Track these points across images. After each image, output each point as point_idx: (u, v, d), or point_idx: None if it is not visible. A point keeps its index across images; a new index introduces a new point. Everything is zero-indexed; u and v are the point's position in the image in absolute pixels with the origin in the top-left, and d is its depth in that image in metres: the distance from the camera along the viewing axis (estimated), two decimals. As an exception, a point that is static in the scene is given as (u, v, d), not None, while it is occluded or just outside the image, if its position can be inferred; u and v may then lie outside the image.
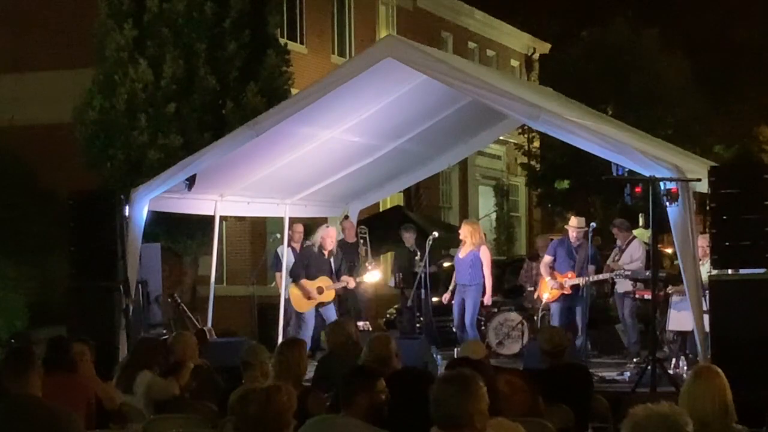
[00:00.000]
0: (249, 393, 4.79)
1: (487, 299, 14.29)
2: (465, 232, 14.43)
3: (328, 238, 14.56)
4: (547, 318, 14.53)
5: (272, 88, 17.10)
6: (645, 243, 14.44)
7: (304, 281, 14.43)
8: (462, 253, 14.36)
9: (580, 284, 13.93)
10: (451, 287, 14.60)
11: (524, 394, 6.30)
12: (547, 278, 14.29)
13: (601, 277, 14.03)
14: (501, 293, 16.59)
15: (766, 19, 34.19)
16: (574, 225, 14.42)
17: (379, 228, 16.82)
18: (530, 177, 32.15)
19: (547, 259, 14.44)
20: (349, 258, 15.16)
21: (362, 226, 16.23)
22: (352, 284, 14.65)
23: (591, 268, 13.90)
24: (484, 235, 15.75)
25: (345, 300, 15.27)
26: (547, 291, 14.31)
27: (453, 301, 14.42)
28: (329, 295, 14.44)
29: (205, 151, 12.88)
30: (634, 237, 14.68)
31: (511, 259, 22.66)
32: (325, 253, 14.49)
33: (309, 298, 14.41)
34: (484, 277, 14.17)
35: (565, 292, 14.11)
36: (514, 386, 6.22)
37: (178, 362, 8.77)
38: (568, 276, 14.07)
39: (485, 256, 14.26)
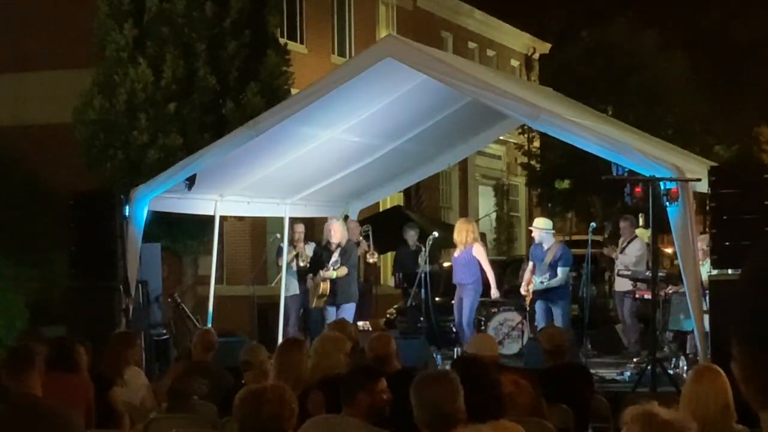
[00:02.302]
0: (262, 393, 4.78)
1: (494, 292, 14.39)
2: (457, 231, 14.52)
3: (331, 230, 14.61)
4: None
5: (272, 88, 17.08)
6: (646, 244, 14.47)
7: (308, 276, 14.78)
8: (457, 252, 14.42)
9: (535, 288, 14.00)
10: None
11: (529, 395, 6.28)
12: (522, 284, 14.45)
13: (554, 282, 14.00)
14: (501, 293, 16.59)
15: (767, 19, 34.19)
16: (534, 225, 14.51)
17: (379, 228, 16.79)
18: (530, 177, 32.15)
19: (528, 265, 14.51)
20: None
21: (366, 225, 16.25)
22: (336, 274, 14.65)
23: (562, 270, 13.91)
24: (482, 234, 15.80)
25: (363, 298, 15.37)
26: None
27: (453, 301, 14.46)
28: (324, 288, 14.50)
29: (205, 151, 12.88)
30: (636, 236, 14.71)
31: (511, 259, 22.65)
32: (332, 245, 14.53)
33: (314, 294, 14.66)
34: (481, 273, 14.23)
35: (529, 297, 14.19)
36: (519, 386, 6.20)
37: (198, 361, 8.84)
38: (531, 281, 14.17)
39: (479, 252, 14.32)
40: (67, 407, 5.77)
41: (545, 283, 13.94)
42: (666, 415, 3.65)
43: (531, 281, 14.19)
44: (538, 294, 14.11)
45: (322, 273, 14.45)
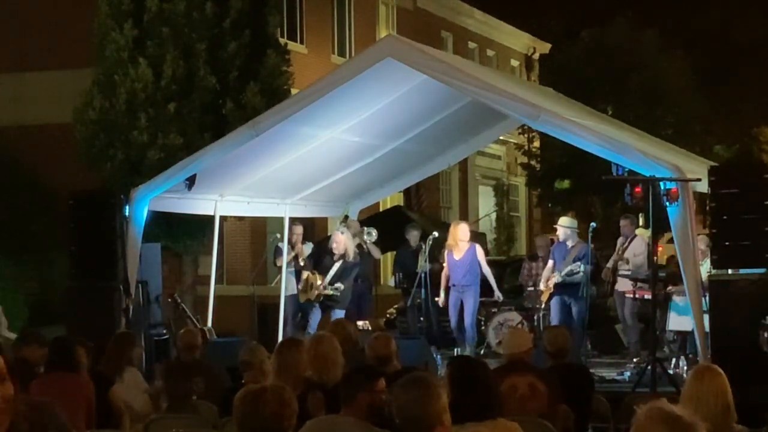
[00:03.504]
0: (262, 393, 4.77)
1: (499, 294, 14.63)
2: (461, 233, 14.50)
3: (334, 243, 14.63)
4: (548, 318, 14.59)
5: (272, 88, 17.09)
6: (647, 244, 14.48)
7: (307, 274, 14.71)
8: (458, 254, 14.37)
9: (556, 281, 14.02)
10: (444, 287, 14.62)
11: (543, 400, 6.23)
12: (542, 282, 14.46)
13: (578, 277, 13.99)
14: (501, 293, 16.59)
15: (767, 19, 34.18)
16: (560, 224, 14.56)
17: (379, 228, 16.76)
18: (530, 177, 32.15)
19: (549, 264, 14.56)
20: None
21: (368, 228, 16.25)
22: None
23: (585, 267, 13.93)
24: (482, 234, 15.85)
25: (359, 297, 15.35)
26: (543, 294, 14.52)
27: (449, 303, 14.46)
28: (315, 295, 14.50)
29: (205, 151, 12.88)
30: (637, 235, 14.72)
31: (511, 259, 22.65)
32: (335, 255, 14.55)
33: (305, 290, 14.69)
34: (481, 275, 14.27)
35: (549, 291, 14.20)
36: (534, 389, 6.18)
37: (186, 363, 8.80)
38: (554, 275, 14.18)
39: (481, 254, 14.41)
40: (68, 407, 5.77)
41: (575, 272, 13.91)
42: (684, 414, 3.64)
43: (550, 278, 14.21)
44: (558, 290, 14.13)
45: (319, 284, 14.45)
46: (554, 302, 14.28)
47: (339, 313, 14.40)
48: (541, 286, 14.48)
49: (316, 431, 5.62)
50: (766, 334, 10.70)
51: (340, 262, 14.52)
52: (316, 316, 14.60)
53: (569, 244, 14.30)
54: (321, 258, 14.83)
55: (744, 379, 7.23)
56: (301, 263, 15.22)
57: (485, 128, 16.27)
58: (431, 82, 12.10)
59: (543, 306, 14.64)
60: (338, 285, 14.41)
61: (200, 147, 13.68)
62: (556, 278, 14.13)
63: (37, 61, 21.24)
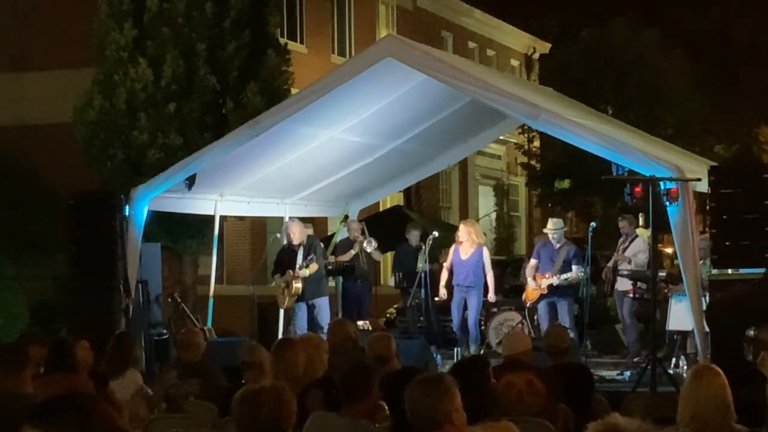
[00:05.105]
0: (260, 393, 4.77)
1: (492, 296, 14.46)
2: (466, 232, 14.43)
3: (290, 233, 14.48)
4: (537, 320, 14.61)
5: (272, 88, 17.09)
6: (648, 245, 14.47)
7: (275, 277, 14.52)
8: (464, 254, 14.33)
9: (553, 283, 13.98)
10: (443, 284, 14.58)
11: (541, 396, 6.23)
12: (529, 279, 14.39)
13: (570, 275, 13.95)
14: (501, 293, 16.60)
15: (767, 19, 34.17)
16: (548, 228, 14.50)
17: (379, 228, 16.77)
18: (530, 177, 32.15)
19: (531, 262, 14.52)
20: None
21: (361, 221, 16.25)
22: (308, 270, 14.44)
23: (574, 267, 13.91)
24: (484, 234, 15.81)
25: (351, 296, 15.31)
26: (529, 293, 14.46)
27: (452, 302, 14.44)
28: (297, 288, 14.40)
29: (205, 151, 12.90)
30: (637, 235, 14.72)
31: (511, 259, 22.65)
32: (295, 246, 14.42)
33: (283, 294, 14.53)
34: (485, 276, 14.25)
35: (542, 292, 14.15)
36: (532, 386, 6.17)
37: (189, 361, 8.80)
38: (546, 276, 14.12)
39: (487, 256, 14.37)
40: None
41: (580, 276, 13.86)
42: (630, 425, 3.63)
43: (538, 277, 14.15)
44: (547, 294, 14.05)
45: (294, 272, 14.26)
46: (541, 307, 14.24)
47: (323, 302, 14.32)
48: (530, 284, 14.41)
49: (318, 430, 5.62)
50: (750, 346, 10.68)
51: (301, 248, 14.39)
52: (302, 315, 14.46)
53: (556, 245, 14.23)
54: (284, 259, 14.60)
55: (744, 379, 7.23)
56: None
57: (485, 128, 16.27)
58: (431, 82, 12.11)
59: (529, 305, 14.60)
60: (311, 256, 14.23)
61: (200, 147, 13.69)
62: (553, 280, 14.05)
63: (37, 61, 21.23)
